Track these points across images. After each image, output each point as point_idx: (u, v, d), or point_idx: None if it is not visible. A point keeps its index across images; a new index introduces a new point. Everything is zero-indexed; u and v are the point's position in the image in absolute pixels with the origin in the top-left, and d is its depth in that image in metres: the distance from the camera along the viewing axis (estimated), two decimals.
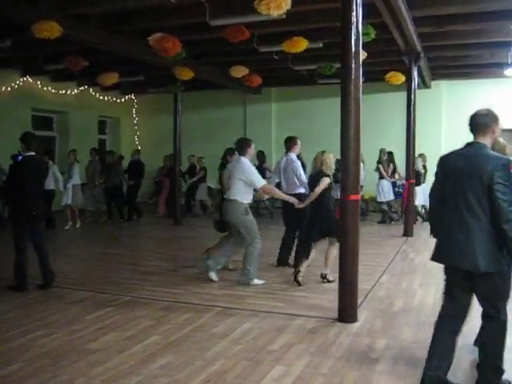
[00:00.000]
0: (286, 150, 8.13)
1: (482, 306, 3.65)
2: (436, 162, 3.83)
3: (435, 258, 3.79)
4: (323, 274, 7.00)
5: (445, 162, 3.75)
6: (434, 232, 3.95)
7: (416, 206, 12.76)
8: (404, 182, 12.31)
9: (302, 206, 7.16)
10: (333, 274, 6.64)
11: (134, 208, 13.87)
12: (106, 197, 13.51)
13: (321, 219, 6.94)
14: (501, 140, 4.42)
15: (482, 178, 3.43)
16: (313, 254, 7.04)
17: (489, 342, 3.66)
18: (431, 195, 3.91)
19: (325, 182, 6.94)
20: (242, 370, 4.16)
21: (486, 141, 3.63)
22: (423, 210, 13.14)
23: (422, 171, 12.99)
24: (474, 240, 3.47)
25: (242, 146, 7.11)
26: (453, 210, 3.59)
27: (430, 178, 4.21)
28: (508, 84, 13.81)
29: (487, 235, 3.45)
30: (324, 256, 7.03)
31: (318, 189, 6.92)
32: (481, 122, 3.63)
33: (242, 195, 6.89)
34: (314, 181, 7.11)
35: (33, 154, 6.67)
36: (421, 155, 13.06)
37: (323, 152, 7.15)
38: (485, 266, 3.42)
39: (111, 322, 5.36)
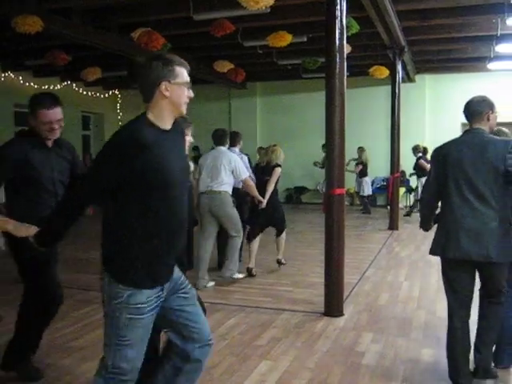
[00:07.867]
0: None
1: (487, 288, 3.61)
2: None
3: (437, 251, 3.59)
4: (278, 259, 7.43)
5: (444, 152, 3.57)
6: (425, 225, 3.88)
7: (364, 197, 14.05)
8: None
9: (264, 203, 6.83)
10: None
11: None
12: None
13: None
14: (503, 129, 4.15)
15: (492, 163, 3.33)
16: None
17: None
18: (425, 187, 3.79)
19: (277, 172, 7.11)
20: (228, 365, 4.15)
21: (483, 127, 3.52)
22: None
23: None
24: (487, 229, 3.35)
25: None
26: (461, 201, 3.43)
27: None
28: (491, 77, 13.90)
29: (498, 223, 3.36)
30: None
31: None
32: (475, 109, 3.52)
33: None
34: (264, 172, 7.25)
35: None
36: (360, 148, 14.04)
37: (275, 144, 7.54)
38: (496, 255, 3.33)
39: (98, 319, 5.31)
